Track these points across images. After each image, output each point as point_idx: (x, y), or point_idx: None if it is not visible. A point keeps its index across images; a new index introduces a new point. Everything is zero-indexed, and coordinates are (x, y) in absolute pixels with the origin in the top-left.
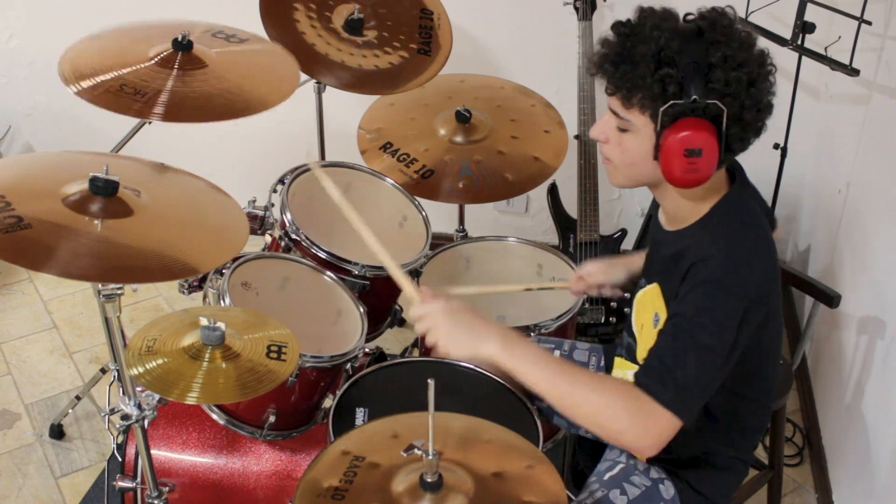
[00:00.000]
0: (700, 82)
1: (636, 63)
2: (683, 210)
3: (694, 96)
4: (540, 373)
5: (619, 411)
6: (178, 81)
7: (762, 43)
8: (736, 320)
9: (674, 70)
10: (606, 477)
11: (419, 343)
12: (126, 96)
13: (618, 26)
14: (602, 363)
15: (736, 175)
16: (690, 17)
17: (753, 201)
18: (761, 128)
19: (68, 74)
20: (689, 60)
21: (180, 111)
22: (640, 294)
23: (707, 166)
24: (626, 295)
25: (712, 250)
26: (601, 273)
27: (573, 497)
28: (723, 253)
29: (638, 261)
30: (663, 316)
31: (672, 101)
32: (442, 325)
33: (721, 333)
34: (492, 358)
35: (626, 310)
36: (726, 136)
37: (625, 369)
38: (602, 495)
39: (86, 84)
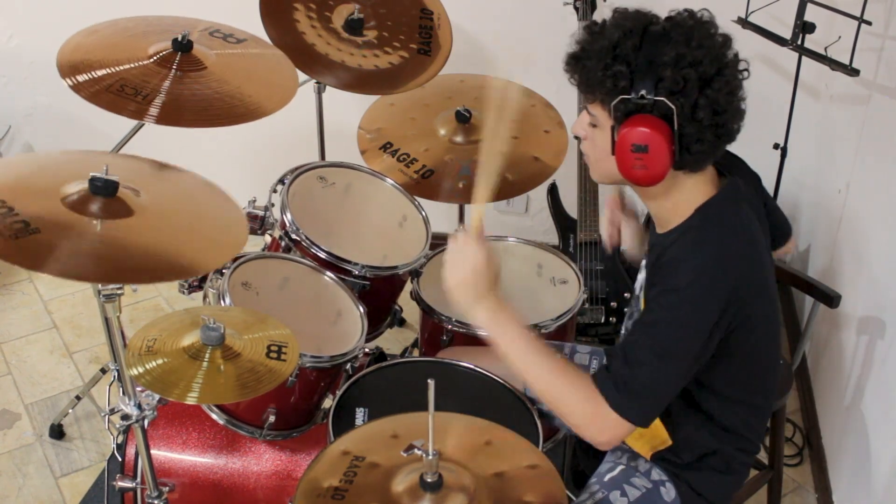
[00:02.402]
0: (650, 79)
1: (591, 58)
2: (666, 212)
3: (642, 92)
4: (515, 356)
5: (577, 410)
6: (176, 83)
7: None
8: (700, 328)
9: (625, 67)
10: (607, 478)
11: (419, 343)
12: (125, 97)
13: (590, 25)
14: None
15: (728, 179)
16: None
17: (747, 206)
18: (728, 131)
19: (65, 68)
20: (642, 58)
21: (178, 115)
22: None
23: (657, 164)
24: (626, 295)
25: (685, 255)
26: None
27: (573, 497)
28: (693, 260)
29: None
30: None
31: (621, 97)
32: (458, 267)
33: (681, 342)
34: (478, 322)
35: (625, 309)
36: (681, 136)
37: None
38: (602, 496)
39: (82, 78)
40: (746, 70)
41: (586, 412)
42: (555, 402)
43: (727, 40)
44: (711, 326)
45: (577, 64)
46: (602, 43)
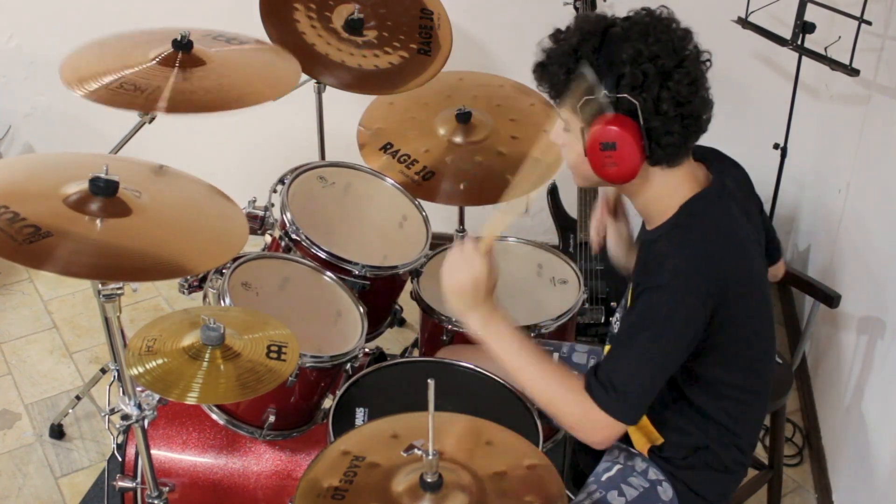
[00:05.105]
0: (611, 78)
1: (554, 64)
2: (650, 208)
3: (604, 91)
4: (507, 360)
5: (568, 411)
6: (179, 77)
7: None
8: (679, 325)
9: (586, 68)
10: (604, 478)
11: (419, 343)
12: (128, 93)
13: (554, 33)
14: None
15: (715, 178)
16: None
17: (735, 206)
18: (697, 122)
19: (71, 80)
20: (602, 58)
21: (182, 104)
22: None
23: (627, 160)
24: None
25: (668, 252)
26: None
27: (573, 497)
28: (675, 258)
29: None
30: None
31: (585, 98)
32: (458, 273)
33: (661, 339)
34: (470, 328)
35: (612, 303)
36: (648, 130)
37: None
38: (600, 496)
39: (89, 87)
40: (709, 61)
41: (577, 413)
42: (548, 404)
43: (687, 34)
44: (691, 323)
45: (543, 71)
46: (564, 48)
